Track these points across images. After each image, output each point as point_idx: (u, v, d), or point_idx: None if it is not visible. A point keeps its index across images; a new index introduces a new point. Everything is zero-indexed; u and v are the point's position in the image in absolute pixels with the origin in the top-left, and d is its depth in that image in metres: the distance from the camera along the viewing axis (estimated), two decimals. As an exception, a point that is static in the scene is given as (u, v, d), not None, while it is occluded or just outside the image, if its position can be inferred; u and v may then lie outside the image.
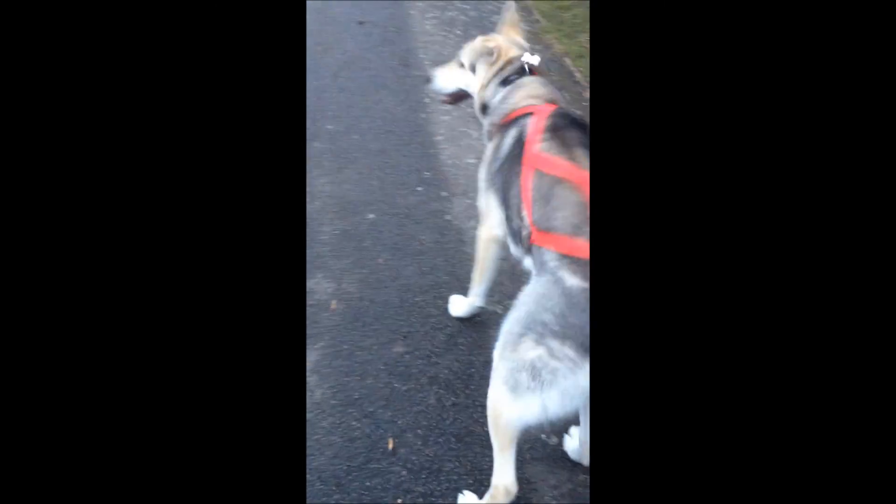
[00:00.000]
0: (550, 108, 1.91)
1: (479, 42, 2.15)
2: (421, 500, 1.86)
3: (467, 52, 2.18)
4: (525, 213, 1.72)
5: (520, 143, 1.85)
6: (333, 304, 2.50)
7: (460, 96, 2.29)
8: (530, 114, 1.91)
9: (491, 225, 2.06)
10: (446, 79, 2.27)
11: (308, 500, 1.90)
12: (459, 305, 2.38)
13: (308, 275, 2.67)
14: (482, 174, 2.07)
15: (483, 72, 2.12)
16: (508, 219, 1.89)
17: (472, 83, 2.17)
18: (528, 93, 2.02)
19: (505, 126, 1.97)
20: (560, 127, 1.79)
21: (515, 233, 1.84)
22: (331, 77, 3.92)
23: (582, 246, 1.51)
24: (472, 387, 2.15)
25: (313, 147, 3.34)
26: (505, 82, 2.06)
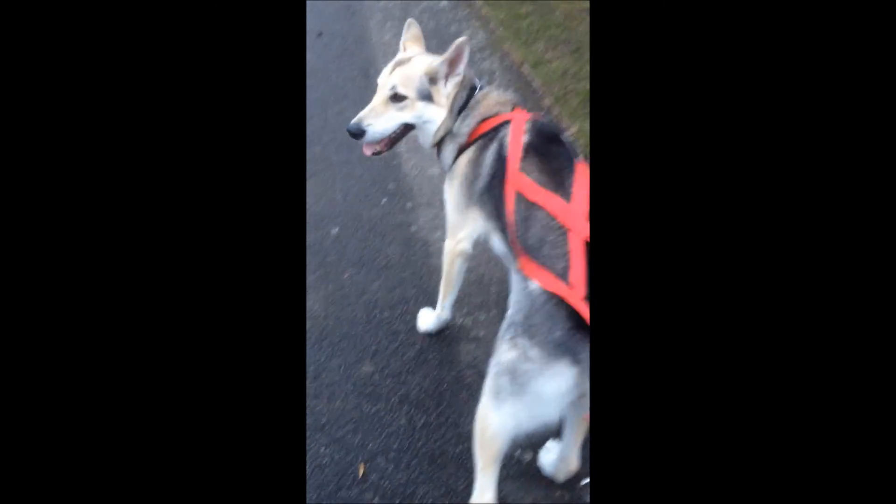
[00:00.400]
0: (524, 116, 1.83)
1: (418, 65, 1.88)
2: (394, 528, 1.73)
3: (407, 81, 1.85)
4: (511, 233, 1.63)
5: (501, 159, 1.74)
6: (298, 324, 2.36)
7: (398, 137, 1.94)
8: (506, 122, 1.81)
9: (460, 238, 1.95)
10: (385, 121, 1.87)
11: (276, 535, 1.75)
12: (428, 320, 2.25)
13: (271, 293, 2.52)
14: (456, 189, 1.91)
15: (449, 94, 1.88)
16: (500, 232, 1.79)
17: (432, 112, 1.88)
18: (495, 100, 1.91)
19: (480, 139, 1.84)
20: (539, 144, 1.70)
21: (509, 250, 1.75)
22: (290, 89, 3.76)
23: (556, 283, 1.40)
24: (444, 405, 2.03)
25: (274, 161, 3.18)
26: (466, 102, 1.90)
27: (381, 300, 2.42)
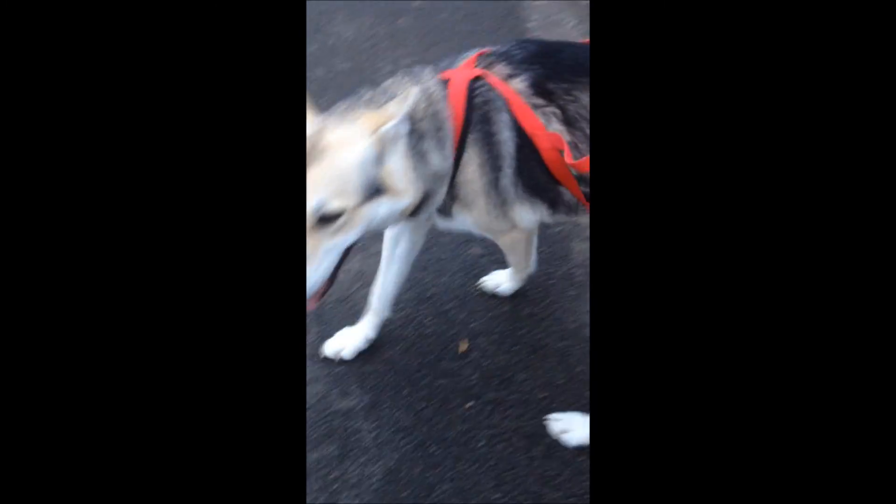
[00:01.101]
0: (471, 66, 1.35)
1: (349, 149, 1.15)
2: (491, 406, 1.72)
3: (340, 185, 1.14)
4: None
5: (520, 133, 1.33)
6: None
7: (340, 266, 1.25)
8: (477, 91, 1.32)
9: (526, 226, 1.53)
10: (321, 259, 1.16)
11: (377, 390, 1.78)
12: (504, 282, 1.96)
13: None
14: (482, 206, 1.42)
15: (405, 167, 1.24)
16: (548, 208, 1.48)
17: (389, 206, 1.22)
18: (425, 87, 1.30)
19: (465, 137, 1.33)
20: (545, 75, 1.33)
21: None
22: None
23: None
24: (550, 299, 1.95)
25: (398, 24, 2.98)
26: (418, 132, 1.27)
27: (494, 185, 2.30)
